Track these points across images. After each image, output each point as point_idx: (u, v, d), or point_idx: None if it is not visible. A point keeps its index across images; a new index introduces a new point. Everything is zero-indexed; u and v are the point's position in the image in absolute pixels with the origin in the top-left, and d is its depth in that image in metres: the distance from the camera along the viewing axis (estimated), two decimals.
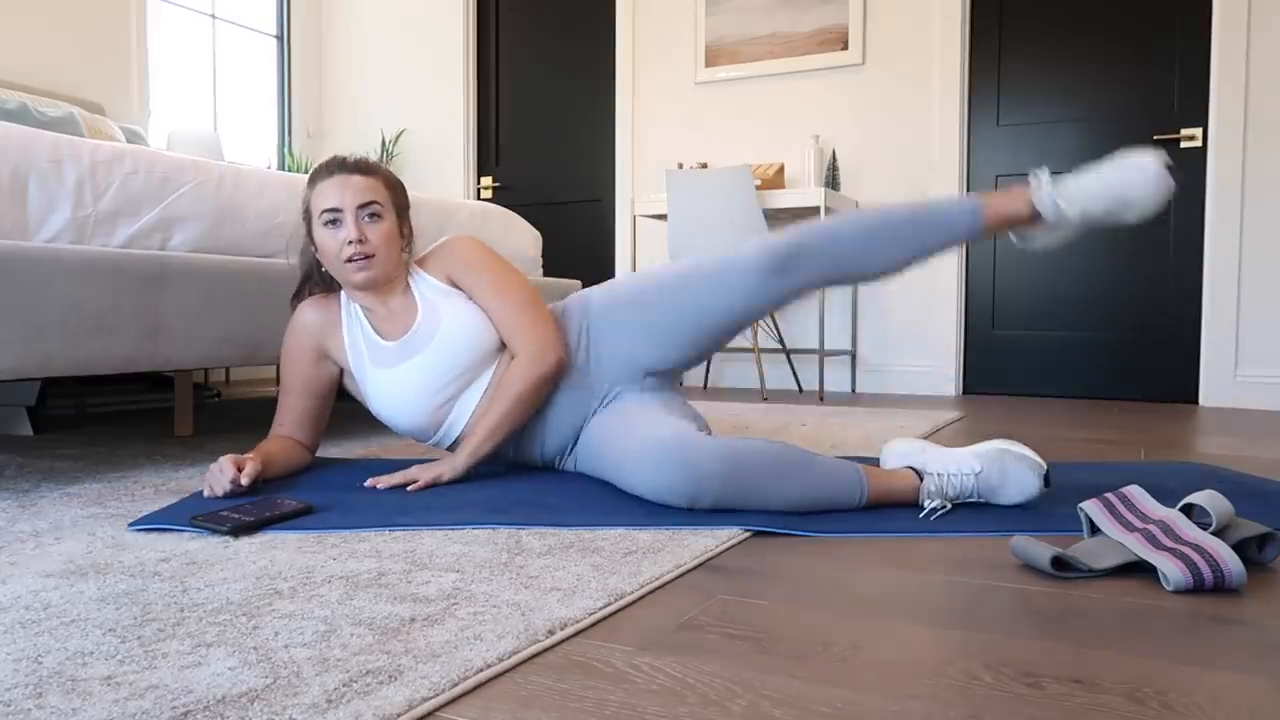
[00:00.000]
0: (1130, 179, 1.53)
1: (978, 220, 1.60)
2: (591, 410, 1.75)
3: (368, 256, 1.68)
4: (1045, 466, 1.51)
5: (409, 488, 1.63)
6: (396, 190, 1.77)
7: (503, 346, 1.76)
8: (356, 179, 1.69)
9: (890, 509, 1.50)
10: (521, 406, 1.69)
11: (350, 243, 1.66)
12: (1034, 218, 1.59)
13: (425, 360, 1.71)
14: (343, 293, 1.81)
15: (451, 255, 1.79)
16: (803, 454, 1.48)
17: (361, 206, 1.68)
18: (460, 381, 1.73)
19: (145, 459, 2.07)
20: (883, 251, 1.62)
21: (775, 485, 1.43)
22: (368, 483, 1.65)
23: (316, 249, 1.73)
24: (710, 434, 1.58)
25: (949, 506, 1.49)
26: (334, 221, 1.68)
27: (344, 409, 3.17)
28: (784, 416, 2.96)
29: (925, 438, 2.44)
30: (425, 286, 1.77)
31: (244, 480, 1.54)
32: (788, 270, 1.64)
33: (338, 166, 1.71)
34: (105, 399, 3.06)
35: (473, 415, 1.74)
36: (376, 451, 2.18)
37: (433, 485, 1.65)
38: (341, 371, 1.81)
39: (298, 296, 1.84)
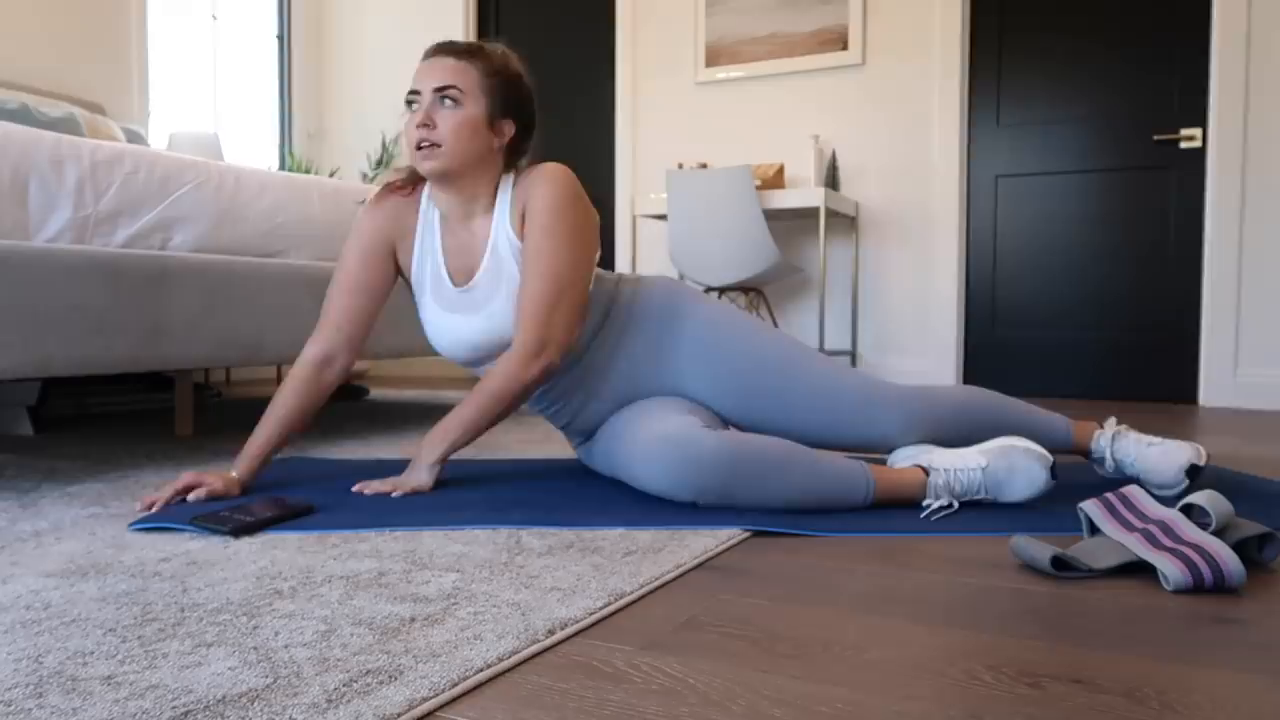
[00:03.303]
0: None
1: (1067, 433, 1.78)
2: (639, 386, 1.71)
3: (433, 145, 1.56)
4: (1052, 459, 1.51)
5: (394, 494, 1.57)
6: (498, 79, 1.61)
7: None
8: (446, 61, 1.58)
9: (891, 508, 1.50)
10: (500, 405, 1.59)
11: (419, 126, 1.56)
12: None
13: (473, 322, 1.66)
14: (425, 196, 1.70)
15: (534, 187, 1.63)
16: (809, 451, 1.48)
17: (439, 90, 1.56)
18: (502, 346, 1.66)
19: (145, 459, 2.07)
20: (990, 436, 1.68)
21: (781, 482, 1.43)
22: (355, 488, 1.61)
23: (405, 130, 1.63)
24: (718, 429, 1.57)
25: (955, 505, 1.49)
26: (413, 103, 1.59)
27: (345, 409, 3.17)
28: None
29: None
30: (502, 228, 1.64)
31: (190, 497, 1.51)
32: (913, 440, 1.67)
33: (438, 48, 1.61)
34: (105, 399, 3.06)
35: None
36: (377, 452, 2.18)
37: (413, 494, 1.58)
38: (399, 276, 1.74)
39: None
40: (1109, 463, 1.73)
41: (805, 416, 1.67)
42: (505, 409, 1.61)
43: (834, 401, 1.66)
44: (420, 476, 1.61)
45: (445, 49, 1.60)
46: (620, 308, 1.72)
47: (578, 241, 1.61)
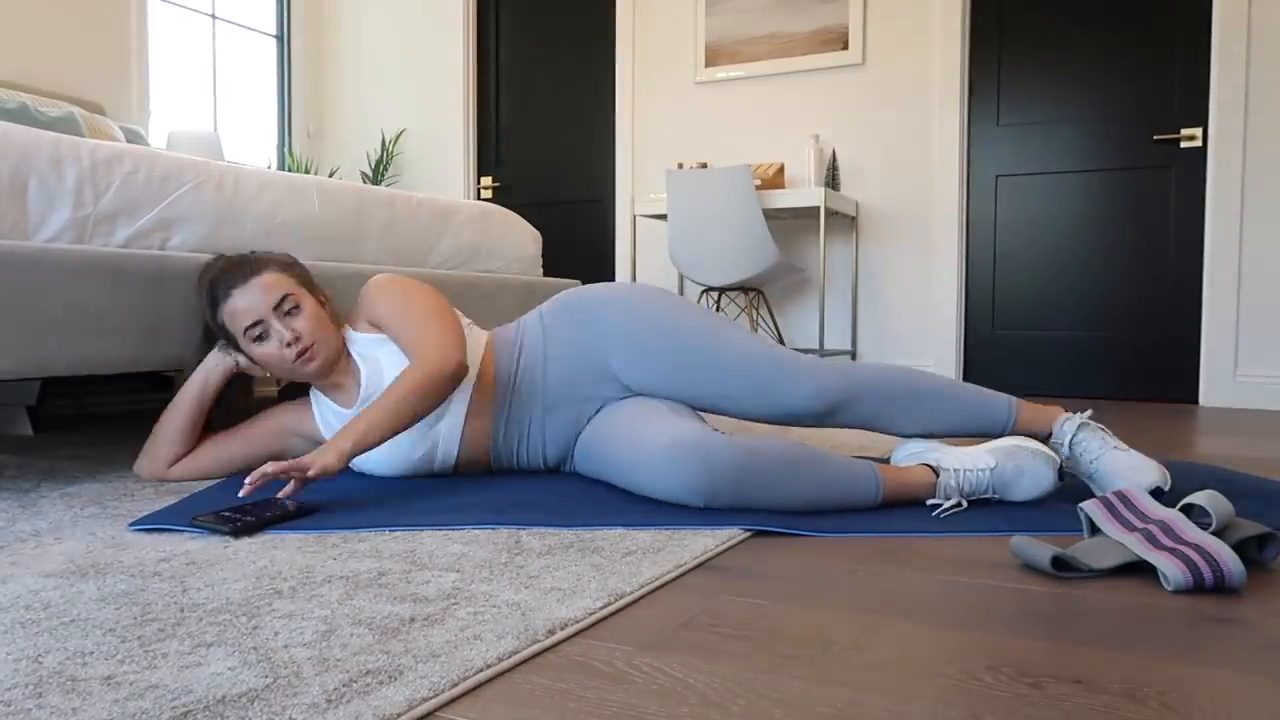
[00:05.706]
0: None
1: (1010, 418, 1.63)
2: (586, 416, 1.74)
3: (310, 347, 1.66)
4: (1059, 460, 1.51)
5: (280, 493, 1.46)
6: (293, 268, 1.74)
7: None
8: (259, 280, 1.66)
9: (892, 508, 1.50)
10: (415, 398, 1.54)
11: (289, 345, 1.64)
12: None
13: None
14: (313, 392, 1.79)
15: (364, 300, 1.76)
16: (818, 453, 1.48)
17: (277, 306, 1.65)
18: (428, 417, 1.67)
19: None
20: (917, 419, 1.64)
21: (791, 484, 1.43)
22: (249, 479, 1.40)
23: (259, 364, 1.70)
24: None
25: (964, 504, 1.49)
26: (263, 335, 1.66)
27: None
28: None
29: None
30: (359, 344, 1.75)
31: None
32: (832, 414, 1.63)
33: (232, 280, 1.66)
34: (105, 399, 3.06)
35: (463, 433, 1.71)
36: None
37: (320, 477, 1.44)
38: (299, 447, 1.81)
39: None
40: (1064, 450, 1.59)
41: (728, 388, 1.66)
42: (422, 402, 1.56)
43: (754, 372, 1.65)
44: (328, 460, 1.45)
45: (247, 271, 1.68)
46: (530, 323, 1.81)
47: (418, 291, 1.73)
